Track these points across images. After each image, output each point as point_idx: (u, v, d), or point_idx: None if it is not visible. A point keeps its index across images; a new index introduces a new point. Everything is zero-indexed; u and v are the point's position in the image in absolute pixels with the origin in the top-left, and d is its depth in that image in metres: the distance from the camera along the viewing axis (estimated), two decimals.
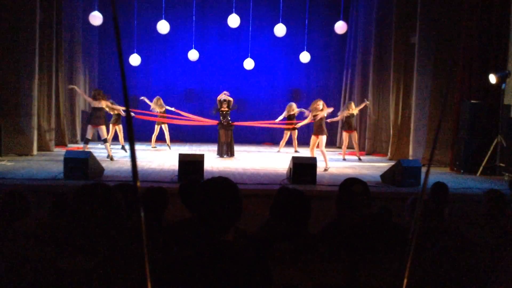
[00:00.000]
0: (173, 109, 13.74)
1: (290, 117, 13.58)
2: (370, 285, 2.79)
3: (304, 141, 14.44)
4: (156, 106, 13.45)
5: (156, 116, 13.48)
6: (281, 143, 14.15)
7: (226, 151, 11.85)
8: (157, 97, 13.70)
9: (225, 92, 12.29)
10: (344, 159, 12.21)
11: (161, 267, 2.04)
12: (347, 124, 12.32)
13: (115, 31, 1.32)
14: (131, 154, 1.35)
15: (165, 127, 13.73)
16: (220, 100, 12.10)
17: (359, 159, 12.19)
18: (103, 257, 1.90)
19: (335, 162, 11.62)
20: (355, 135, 12.42)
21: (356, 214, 3.17)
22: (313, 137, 10.22)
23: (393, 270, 2.63)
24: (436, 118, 10.84)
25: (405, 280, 1.40)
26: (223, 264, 1.99)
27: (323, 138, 10.02)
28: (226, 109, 11.97)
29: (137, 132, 17.15)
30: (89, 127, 11.12)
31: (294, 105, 13.57)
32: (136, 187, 1.30)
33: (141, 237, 1.31)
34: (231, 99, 12.19)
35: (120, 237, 1.92)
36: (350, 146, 16.42)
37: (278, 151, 13.80)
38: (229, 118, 12.01)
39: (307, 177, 7.86)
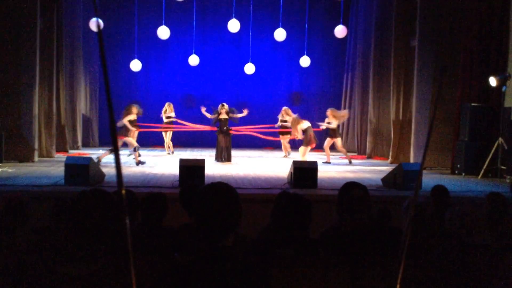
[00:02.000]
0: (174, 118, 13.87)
1: (284, 122, 13.28)
2: None
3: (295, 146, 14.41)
4: (171, 111, 13.64)
5: (159, 126, 13.67)
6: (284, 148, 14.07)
7: (224, 156, 11.91)
8: (169, 103, 13.90)
9: (222, 104, 12.27)
10: (327, 162, 12.23)
11: (160, 273, 2.03)
12: (328, 131, 12.50)
13: (99, 46, 1.32)
14: (116, 161, 1.34)
15: (167, 134, 13.80)
16: (217, 111, 12.09)
17: (350, 162, 12.19)
18: (102, 263, 1.89)
19: (336, 166, 11.61)
20: (337, 141, 12.37)
21: (356, 218, 3.17)
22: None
23: (393, 274, 2.62)
24: (437, 121, 10.84)
25: (398, 286, 1.39)
26: (222, 270, 1.99)
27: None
28: (225, 115, 12.01)
29: (139, 138, 17.22)
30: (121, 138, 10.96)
31: (289, 111, 13.26)
32: (121, 194, 1.30)
33: (126, 244, 1.30)
34: (227, 108, 12.15)
35: (118, 242, 1.92)
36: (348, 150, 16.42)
37: (285, 156, 13.69)
38: (227, 124, 12.05)
39: (308, 181, 7.84)
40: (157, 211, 3.76)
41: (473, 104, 10.10)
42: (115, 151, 1.33)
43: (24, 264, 2.17)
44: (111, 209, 1.97)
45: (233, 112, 12.18)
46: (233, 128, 12.32)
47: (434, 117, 1.63)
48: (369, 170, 10.84)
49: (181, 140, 16.99)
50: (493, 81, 9.71)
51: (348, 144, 16.59)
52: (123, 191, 1.30)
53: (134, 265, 1.31)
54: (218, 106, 12.24)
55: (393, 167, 8.74)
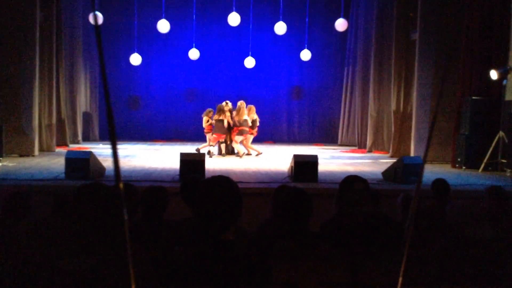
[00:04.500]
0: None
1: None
2: (371, 282, 2.78)
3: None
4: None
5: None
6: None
7: (226, 150, 11.98)
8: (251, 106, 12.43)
9: (226, 101, 12.18)
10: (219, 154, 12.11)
11: (162, 266, 2.04)
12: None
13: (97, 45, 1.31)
14: (113, 155, 1.32)
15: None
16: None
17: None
18: (103, 257, 1.90)
19: (336, 160, 11.61)
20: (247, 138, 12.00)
21: (356, 211, 3.17)
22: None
23: (393, 266, 2.62)
24: (437, 114, 10.81)
25: (400, 279, 1.39)
26: (223, 263, 1.99)
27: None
28: (228, 112, 12.04)
29: (140, 132, 17.23)
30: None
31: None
32: (118, 189, 1.29)
33: (125, 238, 1.29)
34: (230, 107, 12.10)
35: (119, 237, 1.92)
36: (346, 144, 16.44)
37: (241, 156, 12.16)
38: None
39: (308, 175, 7.85)
40: (157, 204, 3.76)
41: (473, 97, 10.08)
42: (113, 145, 1.31)
43: (25, 258, 2.17)
44: (112, 203, 1.97)
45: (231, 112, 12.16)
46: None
47: (437, 108, 1.62)
48: (369, 164, 10.84)
49: (181, 134, 17.02)
50: (494, 75, 9.69)
51: (349, 138, 16.60)
52: (121, 185, 1.29)
53: (132, 259, 1.31)
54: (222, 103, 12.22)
55: (394, 161, 8.74)
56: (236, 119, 11.76)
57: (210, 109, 12.35)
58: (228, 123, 11.82)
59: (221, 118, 11.70)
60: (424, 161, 1.57)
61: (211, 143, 11.86)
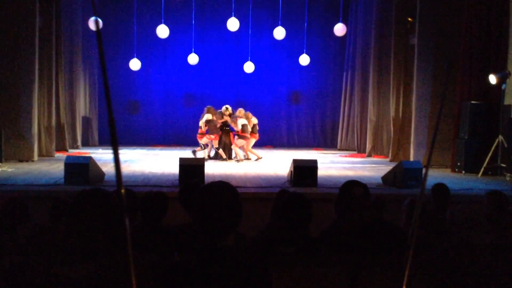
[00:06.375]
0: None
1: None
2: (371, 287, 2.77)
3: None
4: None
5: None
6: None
7: (226, 154, 12.00)
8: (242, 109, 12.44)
9: (226, 106, 12.23)
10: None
11: (160, 272, 2.02)
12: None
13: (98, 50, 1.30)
14: (115, 161, 1.31)
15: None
16: (221, 112, 12.10)
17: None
18: (102, 263, 1.88)
19: (335, 164, 11.60)
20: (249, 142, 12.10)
21: (356, 216, 3.16)
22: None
23: (393, 272, 2.61)
24: (437, 118, 10.79)
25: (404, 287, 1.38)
26: (222, 270, 1.98)
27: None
28: (228, 117, 12.07)
29: (139, 137, 17.22)
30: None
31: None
32: (121, 194, 1.28)
33: (126, 245, 1.28)
34: (230, 111, 12.16)
35: (118, 243, 1.91)
36: (345, 148, 16.44)
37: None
38: (229, 125, 12.12)
39: (308, 180, 7.84)
40: (156, 210, 3.75)
41: (473, 102, 10.09)
42: (115, 150, 1.31)
43: (23, 265, 2.16)
44: (111, 208, 1.96)
45: (232, 118, 12.11)
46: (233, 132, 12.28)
47: (441, 113, 1.62)
48: (369, 168, 10.83)
49: (181, 140, 17.00)
50: (492, 79, 9.70)
51: (348, 142, 16.60)
52: (123, 191, 1.28)
53: (134, 266, 1.30)
54: (222, 107, 12.22)
55: (393, 165, 8.73)
56: (232, 125, 11.90)
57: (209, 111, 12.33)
58: (231, 126, 11.95)
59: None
60: (428, 166, 1.57)
61: (203, 144, 12.08)
